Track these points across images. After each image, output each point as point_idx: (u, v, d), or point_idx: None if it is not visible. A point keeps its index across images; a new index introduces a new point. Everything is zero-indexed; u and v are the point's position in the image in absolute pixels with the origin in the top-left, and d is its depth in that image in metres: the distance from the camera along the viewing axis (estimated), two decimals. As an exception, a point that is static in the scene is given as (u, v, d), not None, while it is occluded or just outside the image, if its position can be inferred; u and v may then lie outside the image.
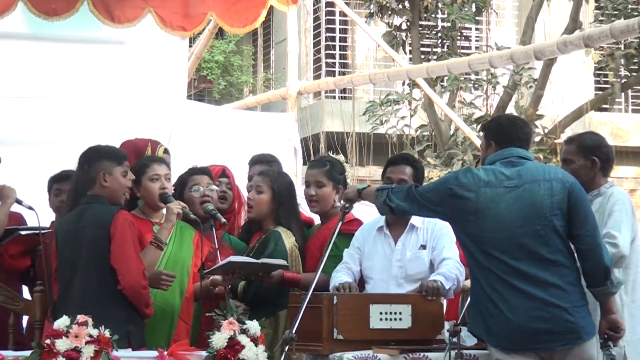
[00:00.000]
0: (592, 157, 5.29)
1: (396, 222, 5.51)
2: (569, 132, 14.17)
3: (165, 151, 6.05)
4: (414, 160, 5.68)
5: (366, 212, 6.04)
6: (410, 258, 5.40)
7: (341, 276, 5.38)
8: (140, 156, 5.77)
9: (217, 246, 5.56)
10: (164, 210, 5.53)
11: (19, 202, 5.98)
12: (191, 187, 5.84)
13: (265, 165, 6.42)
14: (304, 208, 6.32)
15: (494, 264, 4.75)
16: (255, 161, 6.61)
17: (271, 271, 5.56)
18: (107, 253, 5.03)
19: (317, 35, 19.48)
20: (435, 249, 5.43)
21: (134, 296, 5.04)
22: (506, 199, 4.78)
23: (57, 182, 6.20)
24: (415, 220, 5.48)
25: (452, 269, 5.30)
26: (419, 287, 5.19)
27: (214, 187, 5.94)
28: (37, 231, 5.75)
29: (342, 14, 16.16)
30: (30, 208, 5.97)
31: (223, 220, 5.74)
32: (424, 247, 5.44)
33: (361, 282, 5.52)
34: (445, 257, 5.35)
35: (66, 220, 5.23)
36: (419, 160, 5.97)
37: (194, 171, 5.97)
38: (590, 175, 5.27)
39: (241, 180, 6.54)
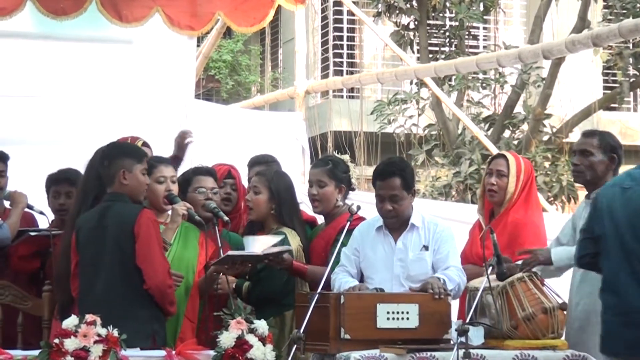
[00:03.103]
0: (613, 154, 5.35)
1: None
2: (577, 132, 14.13)
3: (144, 144, 6.00)
4: (401, 167, 5.45)
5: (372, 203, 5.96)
6: (413, 259, 5.38)
7: (345, 278, 5.37)
8: None
9: (220, 245, 5.54)
10: (169, 211, 5.53)
11: (30, 207, 5.98)
12: (196, 189, 5.77)
13: (264, 166, 6.37)
14: (307, 205, 6.31)
15: (605, 266, 4.72)
16: (254, 162, 6.56)
17: (278, 258, 5.53)
18: (132, 252, 5.02)
19: (324, 35, 19.48)
20: (438, 253, 5.40)
21: (160, 295, 5.03)
22: (620, 198, 4.73)
23: (55, 185, 6.16)
24: (415, 219, 5.46)
25: (454, 276, 5.31)
26: (423, 284, 5.17)
27: (218, 190, 5.91)
28: (47, 233, 5.75)
29: (350, 13, 16.16)
30: (41, 213, 5.98)
31: (225, 218, 5.71)
32: (426, 247, 5.41)
33: (360, 282, 5.48)
34: (449, 265, 5.34)
35: (88, 218, 5.17)
36: (405, 160, 5.84)
37: (199, 171, 5.89)
38: (605, 171, 5.31)
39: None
